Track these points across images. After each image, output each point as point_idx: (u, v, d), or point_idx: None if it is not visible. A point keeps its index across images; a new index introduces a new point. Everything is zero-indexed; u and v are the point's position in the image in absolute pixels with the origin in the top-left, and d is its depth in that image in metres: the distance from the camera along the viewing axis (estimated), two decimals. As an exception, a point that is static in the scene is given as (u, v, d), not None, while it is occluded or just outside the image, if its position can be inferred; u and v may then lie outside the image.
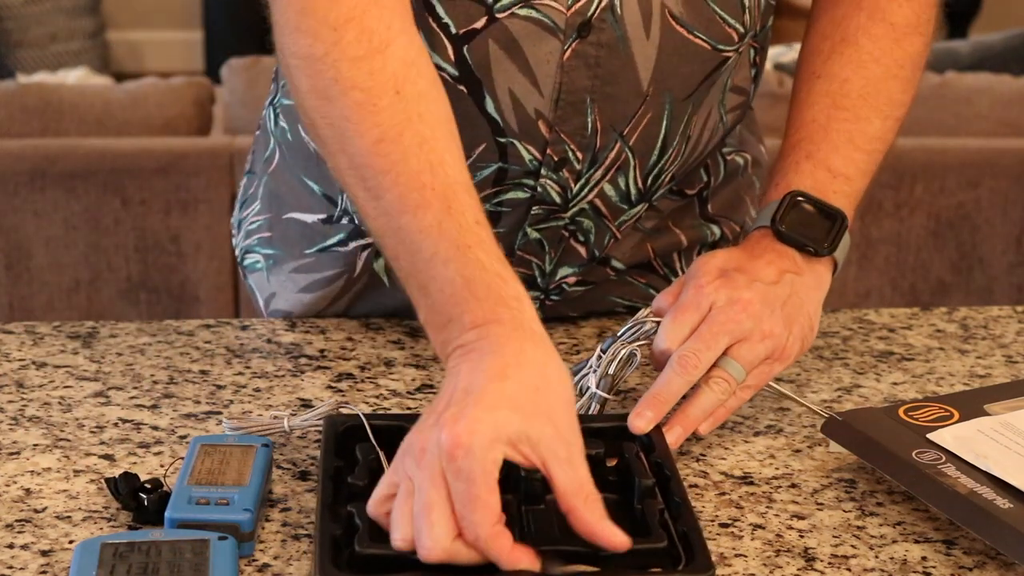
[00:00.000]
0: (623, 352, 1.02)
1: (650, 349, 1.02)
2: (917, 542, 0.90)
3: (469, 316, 0.88)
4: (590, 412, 1.00)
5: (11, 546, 0.86)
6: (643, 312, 1.05)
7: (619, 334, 1.04)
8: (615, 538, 0.80)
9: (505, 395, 0.83)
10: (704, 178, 1.21)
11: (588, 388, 1.02)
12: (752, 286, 1.02)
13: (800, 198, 1.07)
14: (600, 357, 1.03)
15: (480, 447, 0.80)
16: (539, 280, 1.17)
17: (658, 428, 0.94)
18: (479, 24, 1.05)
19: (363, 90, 0.95)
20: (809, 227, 1.08)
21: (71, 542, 0.87)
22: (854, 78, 1.12)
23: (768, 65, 1.15)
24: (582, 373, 1.03)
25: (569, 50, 1.06)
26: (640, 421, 0.95)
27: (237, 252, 1.30)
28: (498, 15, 1.04)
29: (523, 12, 1.04)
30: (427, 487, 0.80)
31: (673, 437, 0.96)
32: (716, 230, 1.24)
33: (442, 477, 0.80)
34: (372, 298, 1.20)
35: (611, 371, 1.02)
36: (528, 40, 1.05)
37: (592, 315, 1.22)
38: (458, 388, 0.84)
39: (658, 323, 1.02)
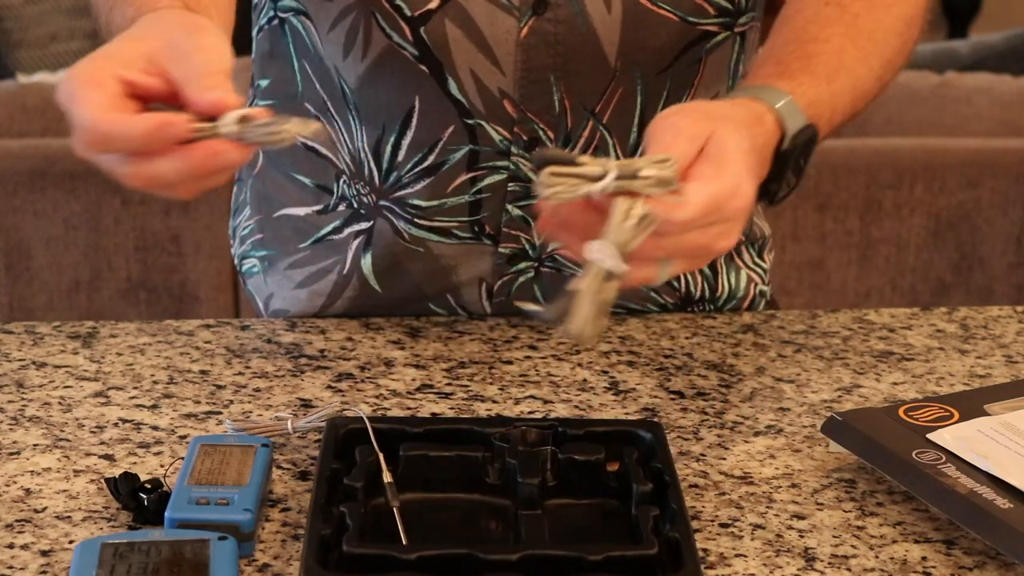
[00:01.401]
0: (641, 207, 0.86)
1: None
2: (917, 542, 0.90)
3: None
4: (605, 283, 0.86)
5: (11, 546, 0.86)
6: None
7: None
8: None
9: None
10: None
11: (599, 256, 0.86)
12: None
13: (814, 136, 0.99)
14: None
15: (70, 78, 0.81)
16: (530, 251, 1.17)
17: (660, 429, 0.94)
18: (433, 4, 1.05)
19: None
20: (788, 166, 0.99)
21: (71, 542, 0.87)
22: (865, 17, 1.06)
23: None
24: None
25: (526, 28, 1.05)
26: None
27: (236, 260, 1.30)
28: None
29: None
30: None
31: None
32: None
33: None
34: (367, 304, 1.21)
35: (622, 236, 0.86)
36: (484, 19, 1.05)
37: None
38: None
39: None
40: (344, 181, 1.17)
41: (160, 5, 0.91)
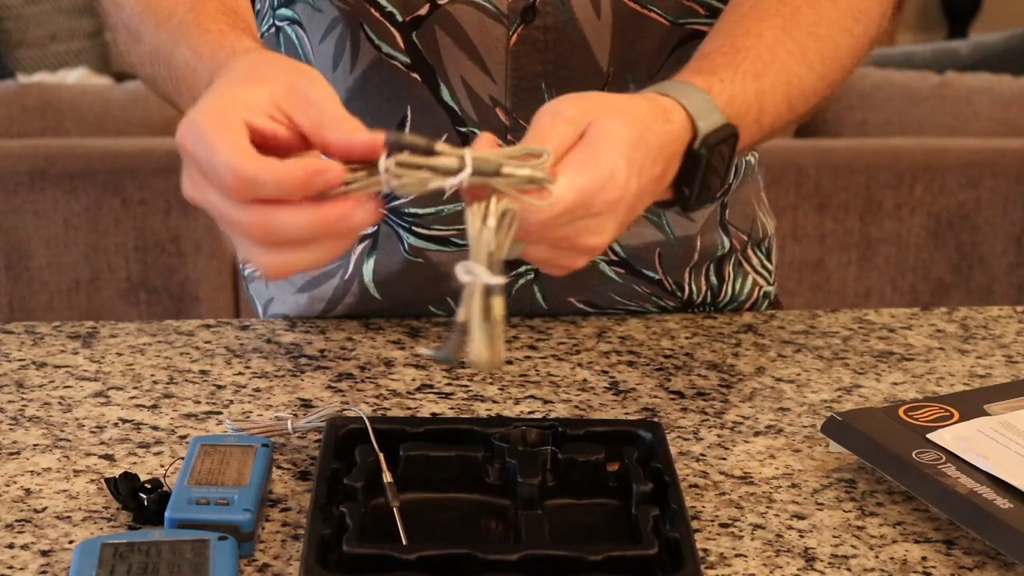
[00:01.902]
0: (497, 207, 0.80)
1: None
2: (917, 542, 0.90)
3: (203, 75, 0.88)
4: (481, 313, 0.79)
5: (11, 546, 0.86)
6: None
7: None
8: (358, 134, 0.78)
9: (218, 87, 0.81)
10: (728, 179, 1.20)
11: (470, 278, 0.79)
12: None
13: (733, 140, 0.92)
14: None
15: (206, 123, 0.78)
16: None
17: (660, 429, 0.94)
18: (423, 11, 1.05)
19: None
20: (700, 167, 0.91)
21: (71, 542, 0.87)
22: (806, 11, 0.99)
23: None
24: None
25: (515, 36, 1.05)
26: None
27: (240, 264, 1.30)
28: (440, 2, 1.04)
29: None
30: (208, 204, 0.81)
31: None
32: (726, 242, 1.23)
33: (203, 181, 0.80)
34: (367, 311, 1.20)
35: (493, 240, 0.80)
36: (473, 27, 1.05)
37: (592, 314, 1.22)
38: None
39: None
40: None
41: (244, 46, 0.88)
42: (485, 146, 0.81)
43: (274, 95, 0.80)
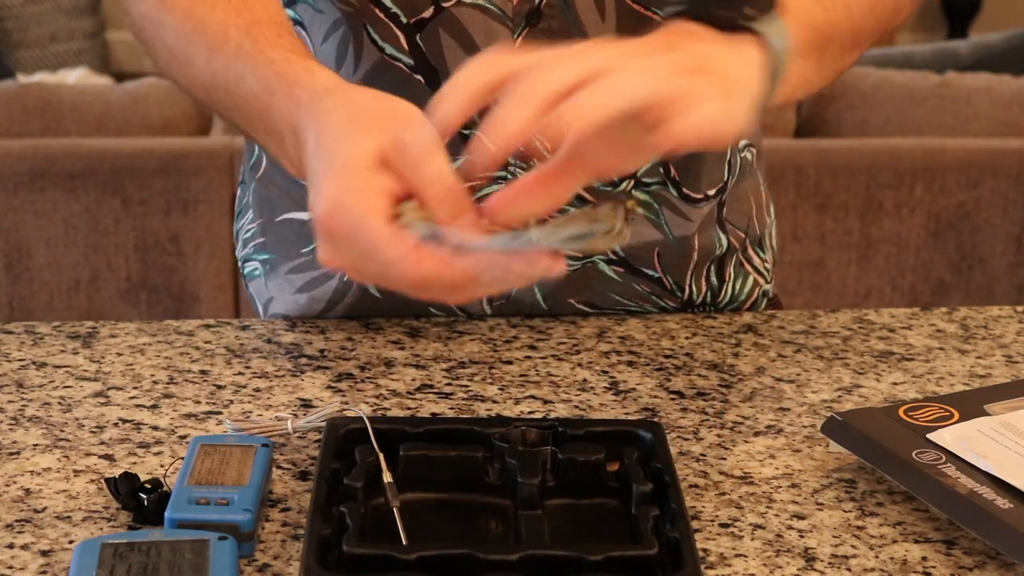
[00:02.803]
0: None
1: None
2: (917, 542, 0.90)
3: (281, 112, 0.88)
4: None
5: (11, 546, 0.86)
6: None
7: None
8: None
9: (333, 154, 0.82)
10: (724, 176, 1.20)
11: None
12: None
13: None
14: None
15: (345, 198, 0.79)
16: None
17: (660, 429, 0.94)
18: (427, 13, 1.05)
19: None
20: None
21: (71, 542, 0.87)
22: None
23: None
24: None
25: (519, 38, 1.05)
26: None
27: (239, 263, 1.30)
28: (444, 4, 1.04)
29: (469, 0, 1.03)
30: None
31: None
32: (724, 240, 1.23)
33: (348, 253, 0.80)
34: (367, 311, 1.20)
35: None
36: (478, 29, 1.05)
37: (592, 314, 1.22)
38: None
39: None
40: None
41: (322, 83, 0.87)
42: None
43: (381, 149, 0.80)
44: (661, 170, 1.16)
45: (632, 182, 1.14)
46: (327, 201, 0.79)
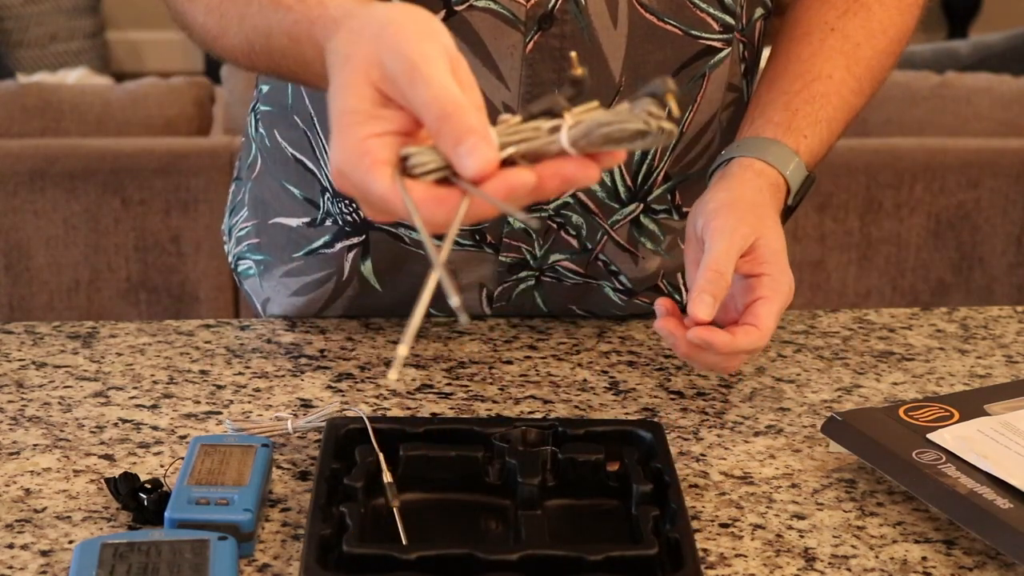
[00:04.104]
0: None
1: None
2: (917, 542, 0.90)
3: (313, 55, 0.86)
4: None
5: (11, 546, 0.86)
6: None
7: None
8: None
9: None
10: None
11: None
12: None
13: (812, 183, 1.10)
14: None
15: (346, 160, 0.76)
16: (531, 261, 1.16)
17: (660, 429, 0.94)
18: (438, 17, 1.04)
19: None
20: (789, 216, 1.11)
21: (71, 542, 0.87)
22: (865, 46, 1.11)
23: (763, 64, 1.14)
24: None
25: (531, 43, 1.05)
26: (701, 307, 0.96)
27: (230, 259, 1.29)
28: (457, 7, 1.03)
29: (482, 4, 1.03)
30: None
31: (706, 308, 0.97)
32: None
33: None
34: (367, 304, 1.20)
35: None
36: (489, 33, 1.04)
37: (592, 316, 1.22)
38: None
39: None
40: (328, 198, 1.17)
41: (331, 15, 0.84)
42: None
43: (376, 89, 0.76)
44: (669, 197, 1.16)
45: (642, 206, 1.15)
46: (332, 167, 0.77)
